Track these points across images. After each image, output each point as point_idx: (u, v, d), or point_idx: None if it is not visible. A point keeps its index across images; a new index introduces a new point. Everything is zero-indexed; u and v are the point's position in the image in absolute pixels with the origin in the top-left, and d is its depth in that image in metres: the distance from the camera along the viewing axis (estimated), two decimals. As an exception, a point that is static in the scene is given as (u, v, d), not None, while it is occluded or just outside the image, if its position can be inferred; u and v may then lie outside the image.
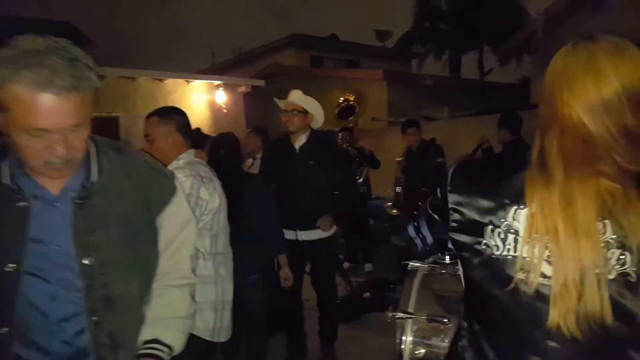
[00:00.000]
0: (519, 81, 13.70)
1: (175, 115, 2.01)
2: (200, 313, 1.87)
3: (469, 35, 16.76)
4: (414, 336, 1.78)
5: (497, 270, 0.88)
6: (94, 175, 1.11)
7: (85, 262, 1.07)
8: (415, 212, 1.26)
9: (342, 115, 5.70)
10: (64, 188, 1.09)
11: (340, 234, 5.66)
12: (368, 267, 5.53)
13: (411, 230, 1.24)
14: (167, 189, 1.24)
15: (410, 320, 1.79)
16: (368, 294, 4.36)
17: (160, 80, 8.79)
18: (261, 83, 10.14)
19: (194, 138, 2.20)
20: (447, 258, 2.00)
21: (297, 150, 3.09)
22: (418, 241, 1.23)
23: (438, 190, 1.06)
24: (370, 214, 5.91)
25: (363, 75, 10.04)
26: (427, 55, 17.74)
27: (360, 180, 5.42)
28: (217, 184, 2.02)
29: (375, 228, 6.02)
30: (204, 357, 2.02)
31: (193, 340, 1.84)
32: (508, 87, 12.47)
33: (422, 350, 1.75)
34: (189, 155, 1.99)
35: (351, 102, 5.68)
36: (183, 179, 1.84)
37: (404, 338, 1.78)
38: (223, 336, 1.99)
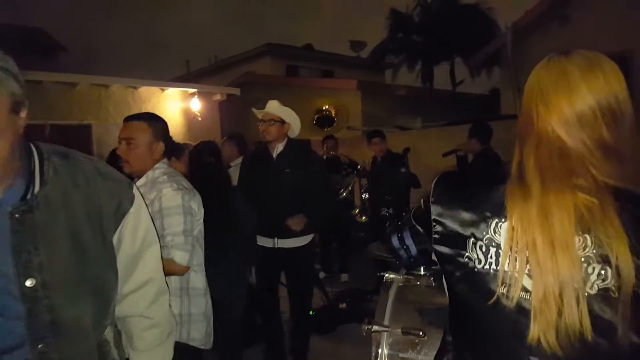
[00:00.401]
0: (490, 92, 14.08)
1: (160, 123, 1.96)
2: (195, 324, 1.90)
3: (440, 47, 17.14)
4: (390, 349, 1.79)
5: (479, 283, 0.88)
6: (36, 187, 0.99)
7: (27, 284, 0.95)
8: (399, 223, 1.26)
9: (319, 123, 5.76)
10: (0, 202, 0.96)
11: (317, 242, 5.70)
12: (344, 277, 5.54)
13: (395, 241, 1.23)
14: (123, 198, 1.11)
15: (385, 333, 1.80)
16: (344, 305, 4.36)
17: (135, 88, 8.63)
18: (236, 91, 10.08)
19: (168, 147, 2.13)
20: (422, 269, 2.03)
21: (275, 159, 3.15)
22: (402, 252, 1.22)
23: (422, 201, 1.06)
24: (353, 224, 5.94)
25: (338, 85, 10.13)
26: (400, 66, 18.06)
27: (349, 189, 5.46)
28: (197, 193, 2.01)
29: (352, 238, 6.04)
30: None
31: (187, 349, 1.86)
32: (479, 97, 12.82)
33: (398, 363, 1.77)
34: (163, 164, 1.94)
35: (330, 112, 5.76)
36: (173, 193, 1.83)
37: (379, 351, 1.79)
38: (210, 343, 2.01)
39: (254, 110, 3.33)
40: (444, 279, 0.98)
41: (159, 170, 1.91)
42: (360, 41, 16.59)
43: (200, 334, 1.94)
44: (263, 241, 3.09)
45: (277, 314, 3.29)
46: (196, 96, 9.34)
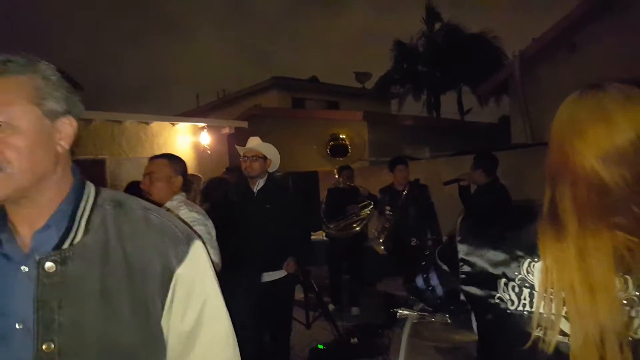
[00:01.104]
0: (499, 120, 14.09)
1: (179, 161, 2.30)
2: None
3: (446, 76, 17.32)
4: (405, 388, 1.73)
5: (513, 326, 0.84)
6: (78, 236, 0.84)
7: (44, 347, 0.80)
8: (424, 263, 1.20)
9: (334, 153, 5.75)
10: (31, 245, 0.83)
11: (300, 272, 5.59)
12: (355, 310, 5.41)
13: (420, 282, 1.17)
14: (171, 256, 0.89)
15: (400, 372, 1.74)
16: (355, 340, 4.25)
17: (147, 123, 8.80)
18: (244, 124, 10.24)
19: None
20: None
21: (255, 194, 3.25)
22: (428, 293, 1.16)
23: (446, 239, 1.02)
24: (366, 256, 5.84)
25: (344, 116, 10.25)
26: (406, 96, 18.21)
27: (365, 222, 5.38)
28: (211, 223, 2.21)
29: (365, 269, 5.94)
30: None
31: None
32: (488, 126, 12.81)
33: (414, 403, 1.70)
34: (181, 196, 2.20)
35: (343, 142, 5.75)
36: (188, 213, 2.06)
37: (394, 390, 1.73)
38: None
39: (237, 147, 3.47)
40: (473, 320, 0.95)
41: (177, 200, 2.14)
42: (365, 72, 16.86)
43: None
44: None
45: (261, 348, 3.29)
46: (205, 130, 9.49)
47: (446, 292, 1.12)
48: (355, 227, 5.39)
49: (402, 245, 4.60)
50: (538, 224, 0.83)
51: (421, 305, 2.04)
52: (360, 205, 5.40)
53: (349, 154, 5.69)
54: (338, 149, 5.79)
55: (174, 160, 2.28)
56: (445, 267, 1.06)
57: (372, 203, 5.35)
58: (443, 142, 9.03)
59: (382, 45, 18.84)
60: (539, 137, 6.56)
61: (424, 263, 1.20)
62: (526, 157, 5.34)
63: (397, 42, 18.36)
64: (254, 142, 3.34)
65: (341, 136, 5.76)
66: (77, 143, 0.89)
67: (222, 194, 3.03)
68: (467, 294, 0.93)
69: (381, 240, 4.88)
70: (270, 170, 3.34)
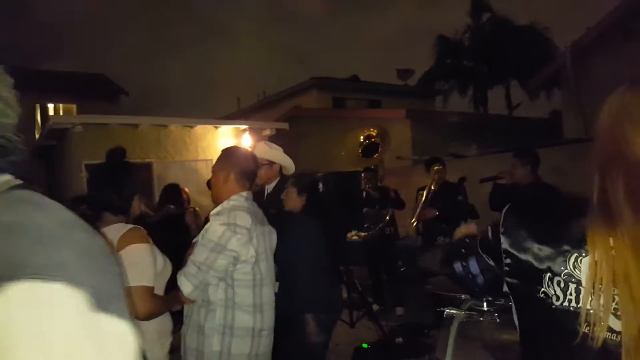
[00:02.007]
0: (550, 115, 13.48)
1: (235, 158, 2.14)
2: None
3: (494, 70, 16.79)
4: (452, 389, 1.68)
5: (558, 322, 0.82)
6: None
7: None
8: (463, 250, 1.19)
9: (365, 153, 5.69)
10: None
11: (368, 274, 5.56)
12: (399, 310, 5.34)
13: (459, 268, 1.17)
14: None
15: (447, 372, 1.69)
16: (400, 340, 4.18)
17: (190, 127, 9.08)
18: (285, 126, 10.35)
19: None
20: (485, 305, 1.90)
21: (265, 200, 3.13)
22: (468, 280, 1.16)
23: (489, 230, 1.01)
24: (399, 256, 5.78)
25: (386, 115, 10.13)
26: (451, 92, 17.80)
27: (387, 219, 5.34)
28: (258, 231, 1.97)
29: (405, 270, 5.85)
30: None
31: None
32: (538, 121, 12.27)
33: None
34: (239, 197, 2.02)
35: (374, 140, 5.67)
36: (216, 227, 1.88)
37: (441, 391, 1.68)
38: None
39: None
40: (514, 314, 0.93)
41: (233, 202, 2.00)
42: (407, 69, 16.61)
43: None
44: None
45: None
46: (247, 132, 9.67)
47: (487, 281, 1.11)
48: (375, 228, 5.33)
49: (430, 244, 4.59)
50: (586, 217, 0.81)
51: (469, 304, 1.98)
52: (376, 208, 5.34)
53: (379, 152, 5.60)
54: (370, 149, 5.72)
55: (230, 155, 2.14)
56: (486, 258, 1.05)
57: (387, 203, 5.28)
58: (490, 139, 8.72)
59: (425, 41, 18.49)
60: (593, 132, 6.19)
61: (462, 250, 1.19)
62: (580, 152, 5.07)
63: (441, 37, 17.99)
64: (259, 149, 3.21)
65: (367, 134, 5.68)
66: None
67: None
68: (510, 285, 0.91)
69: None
70: (287, 172, 3.21)
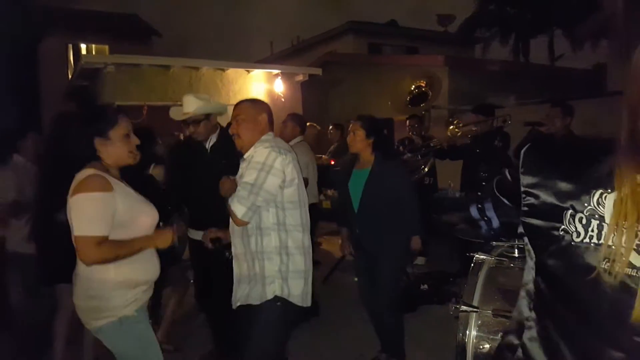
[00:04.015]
0: (593, 67, 12.73)
1: (262, 103, 2.31)
2: (293, 281, 1.99)
3: (537, 19, 15.74)
4: (478, 331, 1.71)
5: (577, 258, 0.82)
6: None
7: None
8: (479, 193, 1.20)
9: (413, 102, 5.54)
10: None
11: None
12: (420, 260, 5.39)
13: (474, 212, 1.17)
14: None
15: (474, 314, 1.71)
16: (426, 286, 4.25)
17: (222, 70, 9.01)
18: (318, 72, 10.12)
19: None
20: (516, 252, 1.88)
21: (209, 150, 2.96)
22: (482, 223, 1.16)
23: (506, 171, 1.00)
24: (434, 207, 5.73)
25: (423, 62, 9.73)
26: (492, 40, 16.86)
27: (425, 170, 5.25)
28: (294, 156, 2.09)
29: (433, 220, 5.83)
30: (296, 322, 2.18)
31: (288, 305, 1.97)
32: (581, 73, 11.60)
33: (487, 346, 1.68)
34: (269, 136, 2.14)
35: (423, 89, 5.49)
36: (262, 150, 1.99)
37: (467, 332, 1.71)
38: (308, 302, 2.08)
39: (172, 115, 3.08)
40: (531, 253, 0.94)
41: (265, 138, 2.10)
42: (448, 15, 15.76)
43: (298, 291, 2.00)
44: (196, 234, 2.85)
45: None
46: (279, 77, 9.54)
47: (502, 223, 1.12)
48: (415, 176, 5.26)
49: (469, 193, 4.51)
50: (612, 156, 0.80)
51: (500, 250, 1.97)
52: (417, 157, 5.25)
53: (427, 100, 5.41)
54: (419, 98, 5.54)
55: (256, 101, 2.30)
56: (504, 200, 1.05)
57: (429, 151, 5.17)
58: (531, 90, 8.31)
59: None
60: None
61: (479, 193, 1.20)
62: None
63: (484, -19, 16.82)
64: (189, 102, 2.94)
65: (418, 83, 5.47)
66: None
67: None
68: (528, 226, 0.92)
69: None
70: (222, 113, 3.04)
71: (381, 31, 14.56)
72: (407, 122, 5.52)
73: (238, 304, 2.07)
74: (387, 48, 13.92)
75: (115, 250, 1.75)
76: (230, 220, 2.06)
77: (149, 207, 1.93)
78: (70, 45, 15.03)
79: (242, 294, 2.05)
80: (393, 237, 2.90)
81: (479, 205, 1.16)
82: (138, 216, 1.85)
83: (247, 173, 1.95)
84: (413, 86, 5.44)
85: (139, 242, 1.82)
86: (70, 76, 12.53)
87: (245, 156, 2.12)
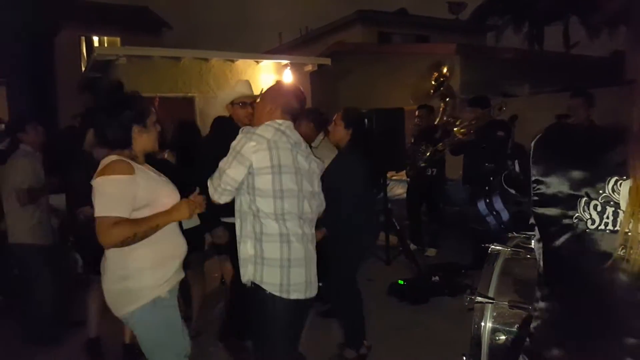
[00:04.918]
0: (611, 54, 12.44)
1: (280, 91, 2.22)
2: (268, 268, 1.95)
3: (552, 5, 15.41)
4: (494, 322, 1.67)
5: (592, 245, 0.82)
6: None
7: None
8: (487, 188, 1.18)
9: (435, 92, 5.48)
10: None
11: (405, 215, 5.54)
12: (431, 252, 5.35)
13: (482, 207, 1.17)
14: None
15: (490, 306, 1.67)
16: (437, 278, 4.21)
17: (232, 61, 9.01)
18: (327, 61, 10.06)
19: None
20: (533, 242, 1.83)
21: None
22: (491, 218, 1.16)
23: (516, 163, 1.00)
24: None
25: (435, 50, 9.58)
26: (504, 28, 16.56)
27: (425, 157, 5.18)
28: (283, 146, 1.99)
29: (445, 211, 5.78)
30: (301, 313, 2.12)
31: (261, 291, 1.93)
32: (598, 60, 11.33)
33: (503, 337, 1.64)
34: (274, 122, 2.04)
35: (442, 79, 5.41)
36: (239, 137, 1.98)
37: (482, 324, 1.67)
38: (287, 293, 2.00)
39: (225, 97, 3.16)
40: (540, 242, 0.93)
41: (257, 127, 2.03)
42: (459, 2, 15.48)
43: (272, 279, 1.96)
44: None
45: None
46: (288, 68, 9.49)
47: (512, 215, 1.12)
48: (420, 164, 5.19)
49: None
50: (625, 143, 0.80)
51: (516, 241, 1.92)
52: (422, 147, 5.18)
53: (440, 90, 5.33)
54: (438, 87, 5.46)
55: (273, 89, 2.23)
56: (512, 191, 1.05)
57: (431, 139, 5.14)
58: (545, 78, 8.15)
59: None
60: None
61: (487, 188, 1.18)
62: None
63: (497, -33, 16.49)
64: (245, 85, 3.15)
65: (444, 72, 5.38)
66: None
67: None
68: (539, 216, 0.91)
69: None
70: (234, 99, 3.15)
71: (390, 20, 14.35)
72: (417, 112, 5.45)
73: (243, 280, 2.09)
74: (396, 37, 13.73)
75: (133, 228, 1.76)
76: None
77: (170, 187, 1.98)
78: (83, 38, 15.11)
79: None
80: (333, 229, 2.81)
81: (487, 200, 1.15)
82: (160, 197, 1.89)
83: (225, 158, 1.98)
84: (436, 74, 5.36)
85: (156, 218, 1.84)
86: (83, 68, 12.60)
87: None
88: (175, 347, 1.96)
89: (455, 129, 4.84)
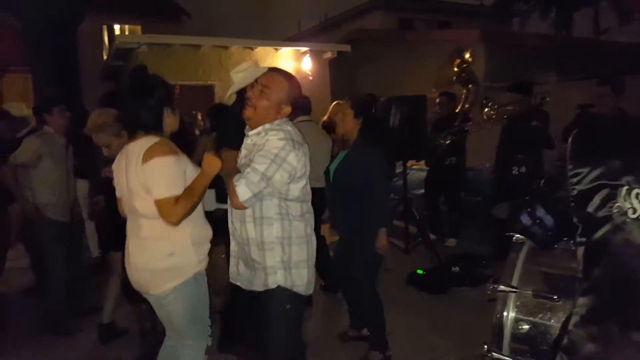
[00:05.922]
0: (643, 40, 11.94)
1: (296, 89, 2.06)
2: (297, 271, 1.92)
3: (581, -10, 14.87)
4: (517, 312, 1.63)
5: (634, 235, 0.81)
6: None
7: None
8: (527, 198, 1.17)
9: (458, 78, 5.36)
10: None
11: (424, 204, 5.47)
12: (451, 242, 5.26)
13: (525, 219, 1.14)
14: None
15: (513, 295, 1.63)
16: (457, 268, 4.15)
17: (251, 48, 9.00)
18: (347, 48, 9.94)
19: None
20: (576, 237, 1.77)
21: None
22: (536, 229, 1.13)
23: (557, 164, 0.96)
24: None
25: (457, 37, 9.35)
26: (530, 14, 16.05)
27: (444, 145, 5.07)
28: (305, 150, 1.94)
29: (467, 202, 5.67)
30: (301, 310, 2.10)
31: (293, 296, 1.92)
32: (630, 46, 10.89)
33: (526, 327, 1.60)
34: (282, 121, 1.96)
35: (465, 66, 5.28)
36: (276, 141, 1.83)
37: (505, 313, 1.63)
38: (311, 290, 2.03)
39: (241, 73, 2.75)
40: (581, 237, 0.91)
41: (276, 123, 1.93)
42: (484, -14, 15.07)
43: (301, 281, 1.95)
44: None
45: None
46: (308, 55, 9.43)
47: (556, 220, 1.08)
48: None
49: (504, 173, 4.27)
50: None
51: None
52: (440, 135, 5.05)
53: (462, 76, 5.20)
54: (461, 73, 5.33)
55: (293, 84, 2.00)
56: (550, 192, 1.05)
57: (448, 128, 5.01)
58: (573, 65, 7.89)
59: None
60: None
61: (527, 198, 1.17)
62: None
63: (523, -49, 15.95)
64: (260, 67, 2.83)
65: (466, 57, 5.24)
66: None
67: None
68: (578, 209, 0.90)
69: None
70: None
71: (412, 5, 14.07)
72: (438, 99, 5.34)
73: (238, 283, 2.03)
74: (418, 23, 13.49)
75: (190, 198, 1.84)
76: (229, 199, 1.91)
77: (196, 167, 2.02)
78: (104, 26, 15.28)
79: (244, 277, 2.00)
80: (367, 229, 2.74)
81: (529, 210, 1.13)
82: (194, 172, 1.94)
83: (260, 160, 1.81)
84: (458, 60, 5.22)
85: (198, 181, 1.89)
86: (104, 57, 12.74)
87: (250, 133, 1.96)
88: (206, 322, 2.07)
89: (485, 109, 4.62)
